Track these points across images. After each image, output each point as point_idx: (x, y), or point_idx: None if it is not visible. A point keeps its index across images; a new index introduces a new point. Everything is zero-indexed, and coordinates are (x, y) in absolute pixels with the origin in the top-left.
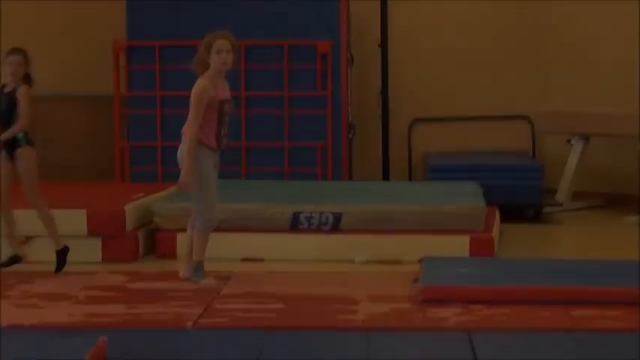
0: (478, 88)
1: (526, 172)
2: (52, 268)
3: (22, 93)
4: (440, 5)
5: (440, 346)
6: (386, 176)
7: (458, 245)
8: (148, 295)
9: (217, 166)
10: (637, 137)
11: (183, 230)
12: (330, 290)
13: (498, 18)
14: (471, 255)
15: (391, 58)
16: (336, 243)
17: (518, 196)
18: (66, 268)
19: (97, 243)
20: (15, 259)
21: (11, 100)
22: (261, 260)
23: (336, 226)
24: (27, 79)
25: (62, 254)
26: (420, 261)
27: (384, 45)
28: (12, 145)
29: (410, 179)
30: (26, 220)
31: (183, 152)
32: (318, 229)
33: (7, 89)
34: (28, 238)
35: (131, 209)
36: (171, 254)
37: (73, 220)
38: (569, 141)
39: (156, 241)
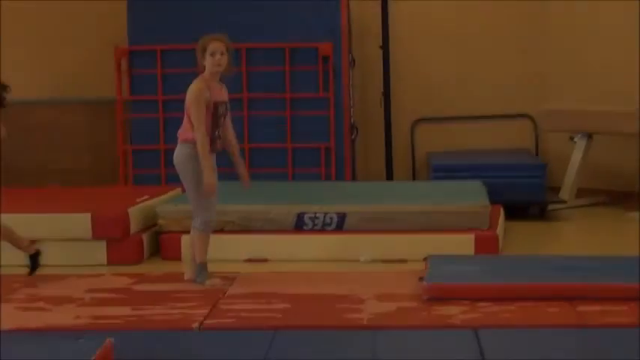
0: (480, 87)
1: (529, 171)
2: (59, 271)
3: None
4: (441, 6)
5: (446, 343)
6: (389, 176)
7: (463, 244)
8: (153, 297)
9: (214, 169)
10: (639, 135)
11: (188, 232)
12: (335, 290)
13: (500, 17)
14: (476, 253)
15: (393, 58)
16: (340, 243)
17: (522, 194)
18: (71, 271)
19: (101, 246)
20: (35, 259)
21: None
22: (265, 261)
23: (340, 226)
24: None
25: (35, 257)
26: (425, 259)
27: (385, 46)
28: None
29: (413, 179)
30: (27, 223)
31: (178, 156)
32: (323, 230)
33: None
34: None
35: (135, 212)
36: (175, 256)
37: (77, 224)
38: (572, 139)
39: (160, 243)
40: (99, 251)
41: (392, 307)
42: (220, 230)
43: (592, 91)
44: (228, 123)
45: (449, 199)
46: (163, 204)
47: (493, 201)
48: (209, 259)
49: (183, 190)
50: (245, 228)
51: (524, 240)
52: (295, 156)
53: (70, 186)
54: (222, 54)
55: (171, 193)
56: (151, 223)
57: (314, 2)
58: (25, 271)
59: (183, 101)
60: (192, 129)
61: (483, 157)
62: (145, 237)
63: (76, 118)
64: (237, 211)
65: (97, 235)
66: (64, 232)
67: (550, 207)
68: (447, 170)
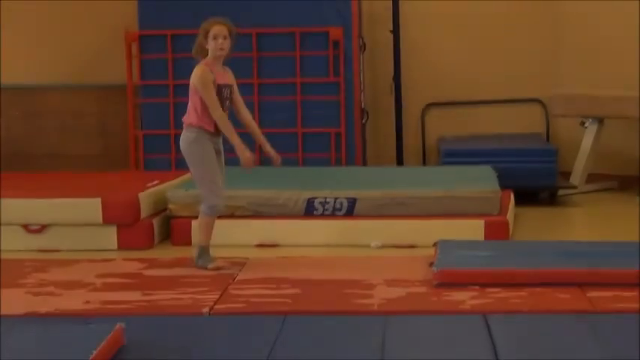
0: (491, 71)
1: (540, 156)
2: (69, 256)
3: None
4: None
5: (456, 329)
6: (400, 161)
7: (473, 229)
8: (163, 282)
9: (220, 153)
10: None
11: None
12: (345, 275)
13: (510, 1)
14: (486, 238)
15: (403, 43)
16: (350, 228)
17: (533, 179)
18: (82, 256)
19: (112, 231)
20: None
21: None
22: (275, 246)
23: (350, 211)
24: None
25: None
26: (435, 244)
27: (395, 31)
28: None
29: (424, 164)
30: (38, 208)
31: (184, 141)
32: (333, 215)
33: None
34: (43, 227)
35: (146, 197)
36: (186, 241)
37: (88, 209)
38: (582, 124)
39: (171, 228)
40: (109, 236)
41: (402, 293)
42: (230, 215)
43: (603, 76)
44: (241, 106)
45: (459, 184)
46: (174, 189)
47: (503, 186)
48: (219, 244)
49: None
50: (255, 213)
51: (534, 225)
52: (306, 141)
53: (80, 171)
54: (224, 38)
55: (181, 178)
56: (161, 208)
57: None
58: (35, 255)
59: None
60: (203, 113)
61: (494, 142)
62: (155, 222)
63: (87, 103)
64: (247, 196)
65: (107, 220)
66: (74, 217)
67: (560, 192)
68: (457, 155)
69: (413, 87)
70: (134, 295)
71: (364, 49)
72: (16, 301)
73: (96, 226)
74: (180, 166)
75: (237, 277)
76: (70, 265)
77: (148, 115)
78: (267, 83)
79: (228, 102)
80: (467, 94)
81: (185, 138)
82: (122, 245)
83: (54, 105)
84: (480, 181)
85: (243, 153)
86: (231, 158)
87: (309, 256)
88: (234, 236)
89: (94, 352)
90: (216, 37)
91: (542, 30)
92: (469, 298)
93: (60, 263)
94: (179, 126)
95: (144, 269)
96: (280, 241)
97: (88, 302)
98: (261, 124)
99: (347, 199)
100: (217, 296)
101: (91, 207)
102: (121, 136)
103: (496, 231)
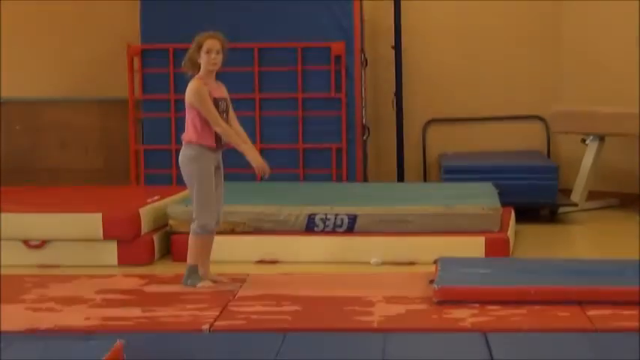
0: (492, 88)
1: (541, 173)
2: (69, 272)
3: None
4: (453, 6)
5: (456, 346)
6: (400, 177)
7: (473, 246)
8: (163, 298)
9: (220, 167)
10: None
11: None
12: (345, 292)
13: (512, 18)
14: (487, 255)
15: (405, 59)
16: (351, 245)
17: (534, 196)
18: (82, 272)
19: (112, 246)
20: None
21: None
22: (276, 262)
23: (351, 227)
24: None
25: None
26: (436, 262)
27: (397, 46)
28: None
29: (425, 180)
30: (38, 223)
31: (182, 158)
32: (333, 231)
33: None
34: (43, 242)
35: (146, 212)
36: (186, 257)
37: (88, 225)
38: (583, 141)
39: (171, 244)
40: (110, 252)
41: (402, 310)
42: (231, 231)
43: (604, 93)
44: (233, 120)
45: (460, 200)
46: (174, 204)
47: (504, 203)
48: (219, 260)
49: None
50: (255, 229)
51: (535, 243)
52: (306, 156)
53: (81, 185)
54: (217, 53)
55: (182, 194)
56: (161, 224)
57: (326, 1)
58: (35, 271)
59: None
60: (203, 129)
61: (495, 158)
62: (155, 238)
63: (88, 118)
64: (248, 212)
65: (107, 236)
66: (74, 233)
67: (561, 209)
68: (458, 172)
69: (414, 103)
70: (134, 312)
71: (366, 64)
72: (16, 317)
73: (96, 241)
74: (181, 181)
75: (238, 294)
76: (70, 280)
77: (149, 130)
78: (268, 98)
79: (225, 115)
80: (468, 110)
81: (184, 155)
82: (122, 261)
83: (55, 119)
84: (481, 198)
85: (256, 159)
86: (233, 174)
87: (309, 273)
88: (234, 252)
89: None
90: (210, 52)
91: (543, 47)
92: (469, 316)
93: (60, 279)
94: (180, 141)
95: (144, 285)
96: (281, 257)
97: (88, 318)
98: (261, 140)
99: (347, 215)
100: (217, 313)
101: (92, 222)
102: (122, 151)
103: (497, 248)
